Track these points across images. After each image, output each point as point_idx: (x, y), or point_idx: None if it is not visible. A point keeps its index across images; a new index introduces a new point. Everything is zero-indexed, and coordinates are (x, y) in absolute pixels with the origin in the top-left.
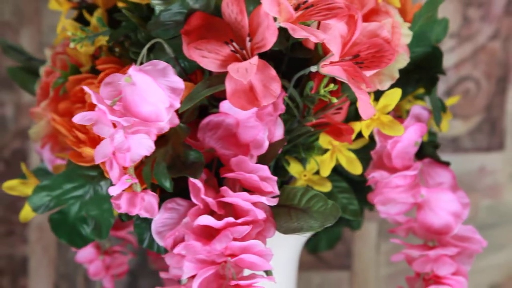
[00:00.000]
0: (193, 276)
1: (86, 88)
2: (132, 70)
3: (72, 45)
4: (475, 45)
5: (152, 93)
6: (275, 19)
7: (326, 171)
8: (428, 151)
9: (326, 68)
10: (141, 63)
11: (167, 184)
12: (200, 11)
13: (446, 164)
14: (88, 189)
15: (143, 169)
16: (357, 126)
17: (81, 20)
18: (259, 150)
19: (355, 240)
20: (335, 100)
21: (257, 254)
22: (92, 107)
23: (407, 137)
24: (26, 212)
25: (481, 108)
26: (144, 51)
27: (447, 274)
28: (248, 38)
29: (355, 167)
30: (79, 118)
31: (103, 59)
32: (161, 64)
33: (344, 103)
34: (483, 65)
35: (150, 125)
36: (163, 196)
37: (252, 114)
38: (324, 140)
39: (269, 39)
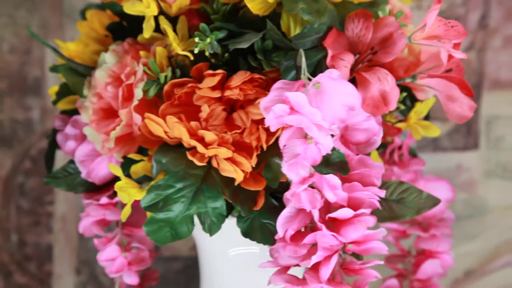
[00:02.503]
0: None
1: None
2: (325, 76)
3: (196, 50)
4: None
5: (340, 98)
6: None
7: None
8: (410, 150)
9: (424, 80)
10: (260, 68)
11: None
12: (335, 27)
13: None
14: (196, 188)
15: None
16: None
17: (116, 27)
18: (366, 150)
19: None
20: (402, 107)
21: (379, 240)
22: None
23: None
24: (126, 211)
25: None
26: (303, 59)
27: (445, 249)
28: (369, 51)
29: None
30: (293, 120)
31: (201, 65)
32: (335, 72)
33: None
34: None
35: (331, 128)
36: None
37: (366, 118)
38: None
39: (395, 52)
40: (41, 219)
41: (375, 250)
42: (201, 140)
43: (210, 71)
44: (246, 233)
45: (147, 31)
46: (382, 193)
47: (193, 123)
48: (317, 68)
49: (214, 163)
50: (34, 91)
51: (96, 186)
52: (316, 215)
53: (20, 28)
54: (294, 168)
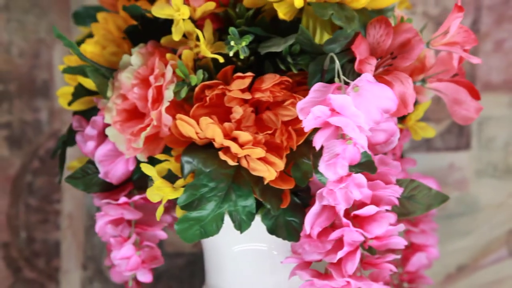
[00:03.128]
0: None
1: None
2: (364, 80)
3: (231, 53)
4: None
5: (377, 101)
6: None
7: None
8: None
9: (434, 84)
10: (294, 72)
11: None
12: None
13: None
14: (227, 187)
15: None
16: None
17: (134, 33)
18: (383, 150)
19: None
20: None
21: (397, 235)
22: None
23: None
24: (160, 210)
25: None
26: (337, 63)
27: (433, 243)
28: (388, 56)
29: None
30: (338, 122)
31: (228, 68)
32: (370, 76)
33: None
34: None
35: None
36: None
37: (386, 119)
38: None
39: (412, 57)
40: (49, 217)
41: (395, 245)
42: (234, 140)
43: (240, 74)
44: (272, 230)
45: (177, 34)
46: (401, 191)
47: (227, 124)
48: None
49: (244, 163)
50: (43, 93)
51: (110, 186)
52: (341, 212)
53: (29, 32)
54: (333, 167)
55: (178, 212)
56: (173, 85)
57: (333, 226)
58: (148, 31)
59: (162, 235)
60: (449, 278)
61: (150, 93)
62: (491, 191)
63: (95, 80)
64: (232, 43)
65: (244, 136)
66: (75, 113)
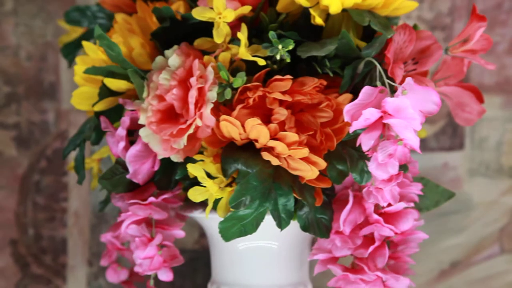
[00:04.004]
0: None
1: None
2: (411, 83)
3: (278, 56)
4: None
5: (421, 104)
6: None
7: None
8: None
9: (442, 88)
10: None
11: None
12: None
13: None
14: (269, 186)
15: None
16: None
17: (160, 36)
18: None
19: None
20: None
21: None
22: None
23: None
24: (208, 209)
25: (445, 114)
26: (379, 67)
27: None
28: (410, 61)
29: None
30: (396, 124)
31: (263, 72)
32: (412, 80)
33: None
34: None
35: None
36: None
37: None
38: None
39: (431, 63)
40: (56, 215)
41: (416, 239)
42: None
43: (278, 76)
44: (305, 228)
45: (220, 37)
46: (420, 187)
47: (272, 125)
48: (366, 77)
49: (284, 163)
50: (50, 95)
51: (134, 187)
52: (372, 209)
53: (36, 36)
54: (384, 167)
55: (220, 212)
56: (216, 87)
57: (362, 222)
58: (176, 33)
59: (180, 234)
60: (443, 274)
61: (193, 94)
62: (484, 190)
63: (135, 81)
64: (280, 47)
65: (291, 136)
66: (97, 113)
